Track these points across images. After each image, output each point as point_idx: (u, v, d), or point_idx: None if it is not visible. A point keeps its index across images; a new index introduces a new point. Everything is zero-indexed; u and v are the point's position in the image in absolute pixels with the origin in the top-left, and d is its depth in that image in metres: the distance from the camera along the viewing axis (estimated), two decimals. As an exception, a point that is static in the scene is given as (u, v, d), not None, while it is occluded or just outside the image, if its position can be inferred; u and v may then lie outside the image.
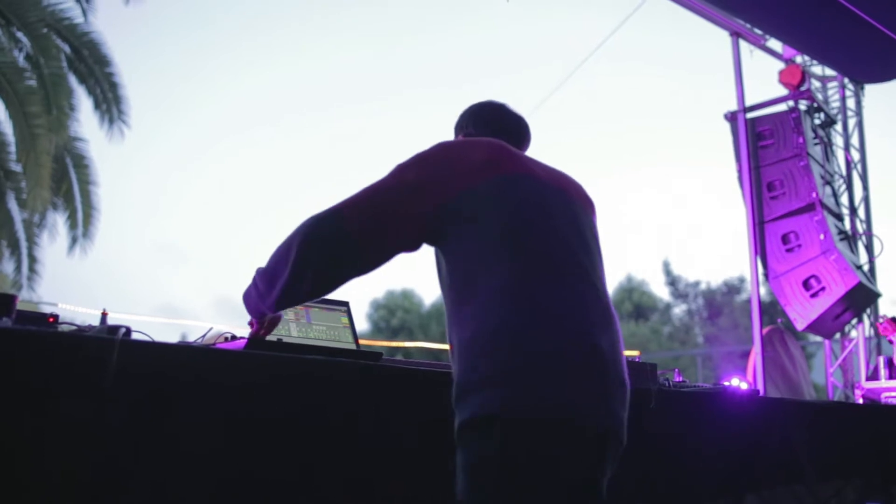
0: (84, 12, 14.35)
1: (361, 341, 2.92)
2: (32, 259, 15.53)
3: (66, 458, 1.84)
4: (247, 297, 2.25)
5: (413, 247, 2.16)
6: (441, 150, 2.23)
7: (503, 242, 2.06)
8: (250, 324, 2.34)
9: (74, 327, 2.14)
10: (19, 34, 13.27)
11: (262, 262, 2.20)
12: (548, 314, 1.99)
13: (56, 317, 2.13)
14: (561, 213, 2.20)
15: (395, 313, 34.39)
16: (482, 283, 2.03)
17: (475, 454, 1.94)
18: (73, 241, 15.71)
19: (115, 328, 1.98)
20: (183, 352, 2.15)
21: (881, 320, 6.15)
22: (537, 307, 1.99)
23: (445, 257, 2.14)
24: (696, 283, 33.67)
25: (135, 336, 2.07)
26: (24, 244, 15.30)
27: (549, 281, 2.04)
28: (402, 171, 2.17)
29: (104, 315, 2.30)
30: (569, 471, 1.94)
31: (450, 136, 2.59)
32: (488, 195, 2.12)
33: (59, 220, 15.72)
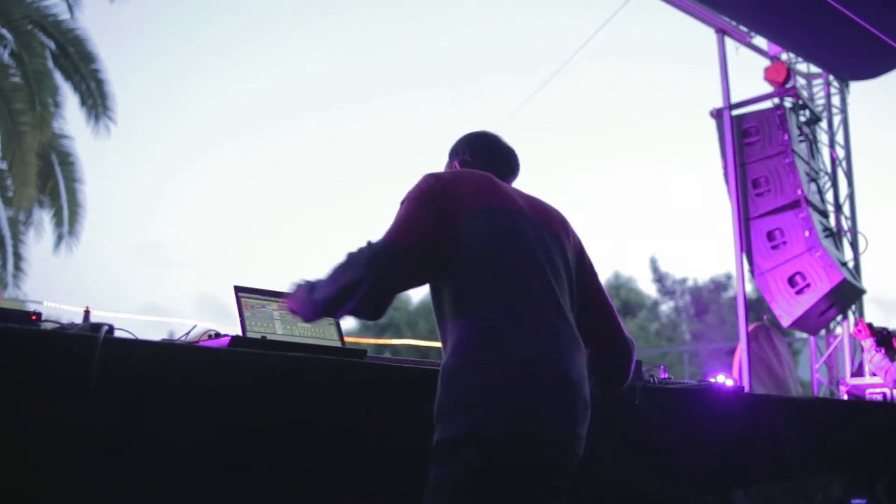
0: (70, 8, 14.26)
1: (349, 339, 2.92)
2: (18, 257, 15.43)
3: (50, 454, 1.83)
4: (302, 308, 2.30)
5: (438, 275, 2.28)
6: (430, 183, 2.35)
7: (487, 273, 2.23)
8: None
9: (57, 325, 2.12)
10: (3, 31, 13.20)
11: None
12: (524, 344, 2.16)
13: (39, 315, 2.12)
14: (538, 245, 2.34)
15: (384, 311, 34.21)
16: (467, 312, 2.19)
17: (447, 474, 2.10)
18: (59, 238, 15.61)
19: (98, 326, 1.98)
20: (166, 349, 2.14)
21: (857, 323, 6.19)
22: (515, 337, 2.16)
23: (443, 283, 2.27)
24: (684, 280, 33.67)
25: (118, 334, 2.05)
26: (9, 242, 15.21)
27: (526, 311, 2.20)
28: (411, 207, 2.29)
29: (87, 313, 2.29)
30: (534, 484, 2.12)
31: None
32: (475, 226, 2.28)
33: (45, 218, 15.64)
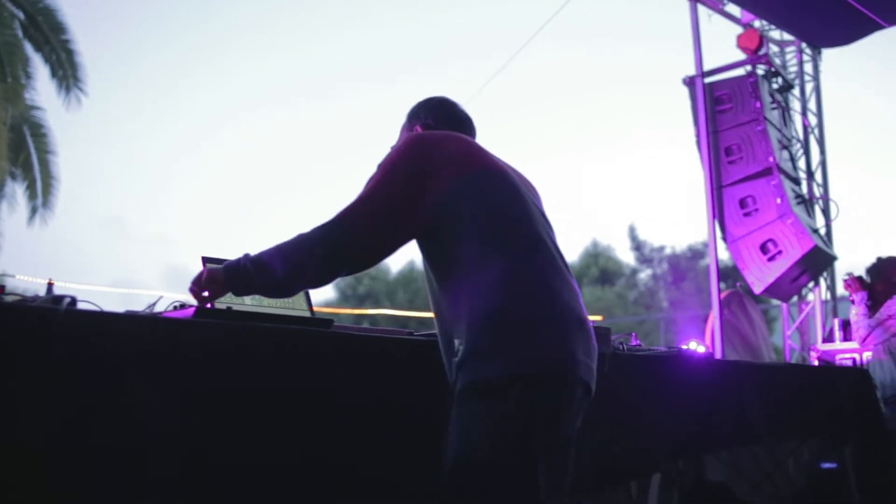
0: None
1: (327, 309, 2.92)
2: (-9, 230, 15.33)
3: (10, 427, 1.81)
4: (240, 282, 2.33)
5: (414, 237, 2.36)
6: (419, 143, 2.42)
7: (495, 229, 2.30)
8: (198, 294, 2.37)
9: (19, 297, 2.10)
10: (-29, 1, 13.02)
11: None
12: (543, 291, 2.25)
13: (2, 287, 2.11)
14: (530, 202, 2.44)
15: (362, 281, 34.33)
16: (483, 264, 2.25)
17: (494, 411, 2.16)
18: (33, 211, 15.52)
19: (60, 297, 1.96)
20: (129, 320, 2.13)
21: (847, 277, 6.17)
22: (534, 284, 2.25)
23: (442, 243, 2.33)
24: (661, 248, 33.98)
25: (82, 306, 2.04)
26: (-19, 216, 15.10)
27: (538, 261, 2.30)
28: (389, 169, 2.34)
29: (50, 285, 2.28)
30: (564, 420, 2.24)
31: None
32: (475, 186, 2.33)
33: (18, 191, 15.52)
